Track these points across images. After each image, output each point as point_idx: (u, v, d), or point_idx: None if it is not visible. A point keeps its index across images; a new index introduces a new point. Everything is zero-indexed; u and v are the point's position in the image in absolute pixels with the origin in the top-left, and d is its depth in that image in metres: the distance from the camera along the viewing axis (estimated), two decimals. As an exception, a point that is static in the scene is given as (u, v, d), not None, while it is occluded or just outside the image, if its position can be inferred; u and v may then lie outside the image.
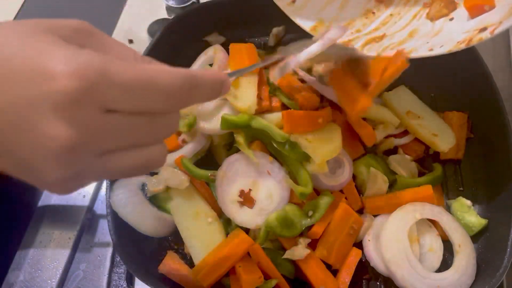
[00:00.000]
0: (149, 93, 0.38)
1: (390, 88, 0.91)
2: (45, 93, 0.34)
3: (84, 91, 0.34)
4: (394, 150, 0.87)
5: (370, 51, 0.71)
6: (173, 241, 0.82)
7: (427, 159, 0.88)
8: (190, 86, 0.41)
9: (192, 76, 0.41)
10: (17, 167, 0.38)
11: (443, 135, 0.85)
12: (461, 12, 0.69)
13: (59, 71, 0.34)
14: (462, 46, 0.62)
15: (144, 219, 0.79)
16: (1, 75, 0.35)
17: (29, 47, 0.36)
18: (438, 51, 0.64)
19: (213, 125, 0.80)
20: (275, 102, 0.81)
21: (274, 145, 0.75)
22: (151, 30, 1.18)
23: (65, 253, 0.87)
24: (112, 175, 0.42)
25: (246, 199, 0.76)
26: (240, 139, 0.76)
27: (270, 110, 0.80)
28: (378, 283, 0.78)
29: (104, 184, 0.95)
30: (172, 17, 1.04)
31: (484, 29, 0.60)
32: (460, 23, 0.68)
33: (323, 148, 0.73)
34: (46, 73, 0.34)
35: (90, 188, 0.95)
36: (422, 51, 0.66)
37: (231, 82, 0.49)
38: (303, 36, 1.03)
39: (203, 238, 0.77)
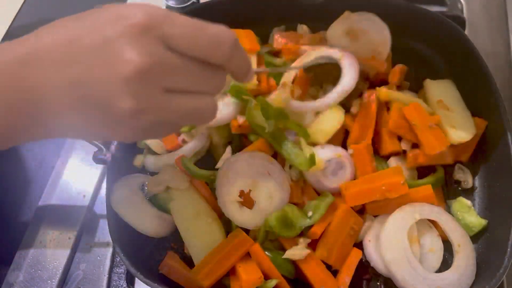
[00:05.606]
0: (201, 38, 0.46)
1: (435, 78, 0.90)
2: (121, 27, 0.43)
3: (151, 24, 0.44)
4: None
5: None
6: (173, 241, 0.82)
7: (427, 159, 0.87)
8: (237, 45, 0.48)
9: (237, 38, 0.48)
10: (89, 102, 0.44)
11: (460, 129, 0.82)
12: None
13: (132, 11, 0.44)
14: None
15: (144, 219, 0.79)
16: (87, 17, 0.46)
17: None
18: None
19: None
20: (272, 83, 0.86)
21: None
22: (151, 30, 1.18)
23: (65, 253, 0.87)
24: (172, 114, 0.47)
25: (246, 200, 0.76)
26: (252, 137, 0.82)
27: (268, 91, 0.84)
28: (378, 284, 0.78)
29: (104, 184, 0.95)
30: (172, 17, 1.04)
31: None
32: None
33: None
34: (122, 14, 0.44)
35: (90, 188, 0.95)
36: None
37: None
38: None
39: (203, 238, 0.77)
